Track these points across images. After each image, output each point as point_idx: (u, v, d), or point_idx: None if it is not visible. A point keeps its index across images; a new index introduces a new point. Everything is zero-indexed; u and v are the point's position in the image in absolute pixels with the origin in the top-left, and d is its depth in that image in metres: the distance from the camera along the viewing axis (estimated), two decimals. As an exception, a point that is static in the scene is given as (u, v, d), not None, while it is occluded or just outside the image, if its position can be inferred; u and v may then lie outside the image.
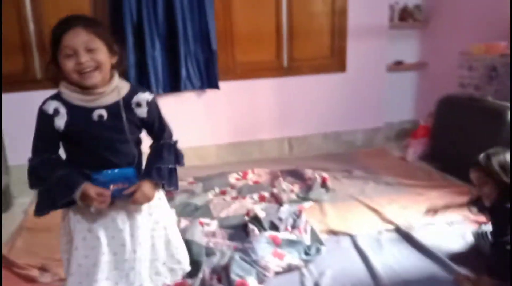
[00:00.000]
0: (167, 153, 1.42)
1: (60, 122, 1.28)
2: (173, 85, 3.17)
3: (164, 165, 1.40)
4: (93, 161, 1.33)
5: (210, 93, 3.31)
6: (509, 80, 2.73)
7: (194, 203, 2.55)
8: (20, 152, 2.84)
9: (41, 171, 1.29)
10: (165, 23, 3.04)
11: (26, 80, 2.92)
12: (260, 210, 2.31)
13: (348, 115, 3.61)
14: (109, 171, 1.32)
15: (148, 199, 1.37)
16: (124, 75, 3.10)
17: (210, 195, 2.67)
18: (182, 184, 2.85)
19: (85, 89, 1.28)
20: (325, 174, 2.83)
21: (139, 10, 2.94)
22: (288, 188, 2.68)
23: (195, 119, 3.35)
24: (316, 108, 3.54)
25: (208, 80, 3.24)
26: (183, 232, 2.11)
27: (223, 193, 2.71)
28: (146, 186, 1.35)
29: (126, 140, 1.35)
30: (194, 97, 3.32)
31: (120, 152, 1.35)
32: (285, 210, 2.32)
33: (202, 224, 2.24)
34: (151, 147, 1.46)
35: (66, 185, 1.27)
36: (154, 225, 1.49)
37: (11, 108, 2.87)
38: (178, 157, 1.46)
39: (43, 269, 1.88)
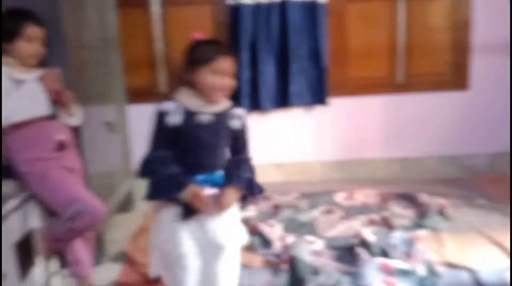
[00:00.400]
0: (246, 165, 1.54)
1: (173, 119, 1.42)
2: (282, 101, 3.22)
3: (244, 174, 1.50)
4: (193, 161, 1.46)
5: (318, 109, 3.30)
6: None
7: (299, 219, 2.54)
8: (144, 159, 3.16)
9: (154, 164, 1.43)
10: (278, 40, 3.12)
11: (152, 93, 3.19)
12: (369, 234, 2.21)
13: (469, 136, 3.32)
14: (208, 175, 1.45)
15: (230, 206, 1.46)
16: (237, 91, 3.23)
17: (315, 212, 2.63)
18: (287, 198, 2.88)
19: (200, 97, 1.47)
20: (442, 200, 2.62)
21: (255, 28, 3.06)
22: (401, 212, 2.53)
23: (301, 134, 3.36)
24: (432, 128, 3.32)
25: (317, 96, 3.23)
26: (289, 247, 2.12)
27: (329, 211, 2.65)
28: (230, 193, 1.45)
29: (222, 146, 1.51)
30: (302, 112, 3.33)
31: (215, 156, 1.50)
32: (398, 236, 2.19)
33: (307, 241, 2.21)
34: (231, 160, 1.55)
35: (175, 182, 1.41)
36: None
37: (138, 118, 3.16)
38: (253, 170, 1.56)
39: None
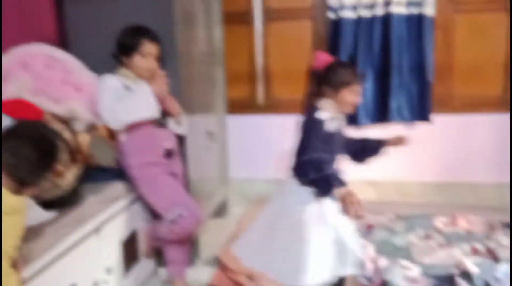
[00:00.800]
0: None
1: (330, 126, 1.80)
2: (381, 116, 3.12)
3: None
4: (333, 161, 1.85)
5: (419, 126, 3.13)
6: None
7: (393, 242, 2.43)
8: (240, 167, 3.28)
9: (320, 164, 1.74)
10: (380, 54, 3.03)
11: (250, 106, 3.31)
12: (472, 265, 2.04)
13: None
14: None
15: None
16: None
17: (412, 236, 2.49)
18: (381, 219, 2.77)
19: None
20: (560, 235, 2.33)
21: (355, 42, 3.02)
22: (509, 244, 2.30)
23: (400, 152, 3.19)
24: (552, 152, 2.96)
25: (419, 112, 3.08)
26: (381, 271, 2.04)
27: (427, 236, 2.49)
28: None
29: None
30: (401, 129, 3.18)
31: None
32: (504, 270, 1.99)
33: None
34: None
35: (339, 180, 1.74)
36: None
37: (235, 128, 3.28)
38: None
39: (250, 277, 2.05)
